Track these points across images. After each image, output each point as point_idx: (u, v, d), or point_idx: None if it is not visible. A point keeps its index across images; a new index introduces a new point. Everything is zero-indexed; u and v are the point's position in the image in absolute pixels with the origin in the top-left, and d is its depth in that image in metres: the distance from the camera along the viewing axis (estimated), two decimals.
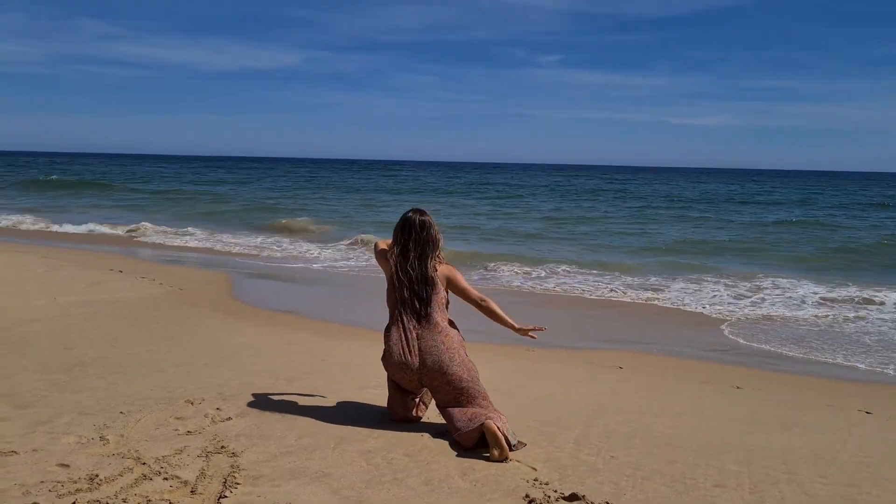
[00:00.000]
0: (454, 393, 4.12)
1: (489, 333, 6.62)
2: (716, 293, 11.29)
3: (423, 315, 4.19)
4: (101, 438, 3.81)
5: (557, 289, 11.77)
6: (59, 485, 3.19)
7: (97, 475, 3.30)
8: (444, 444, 4.03)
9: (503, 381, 5.48)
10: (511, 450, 3.84)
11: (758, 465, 3.96)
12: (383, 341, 4.31)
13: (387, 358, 4.26)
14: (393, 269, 4.25)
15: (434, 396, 4.25)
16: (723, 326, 9.00)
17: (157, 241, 17.53)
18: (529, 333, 4.36)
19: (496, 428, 3.82)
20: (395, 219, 4.38)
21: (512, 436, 3.93)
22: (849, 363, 7.37)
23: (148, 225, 20.16)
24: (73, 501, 3.02)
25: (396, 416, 4.38)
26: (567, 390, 5.51)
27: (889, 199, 42.47)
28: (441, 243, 4.29)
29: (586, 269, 13.76)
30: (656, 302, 10.69)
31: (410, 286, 4.20)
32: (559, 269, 13.64)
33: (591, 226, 23.93)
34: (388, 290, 4.33)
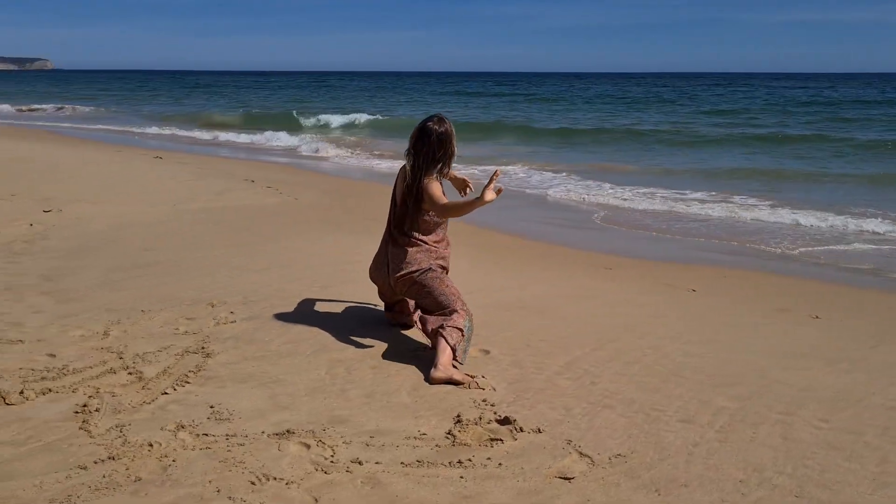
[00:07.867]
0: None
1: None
2: None
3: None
4: (105, 333, 4.14)
5: None
6: (32, 371, 3.52)
7: (67, 366, 3.59)
8: (426, 359, 3.91)
9: (542, 297, 5.25)
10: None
11: (757, 401, 3.49)
12: None
13: None
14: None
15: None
16: None
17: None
18: (492, 187, 3.74)
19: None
20: None
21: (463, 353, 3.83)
22: None
23: None
24: (22, 388, 3.31)
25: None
26: (610, 311, 5.13)
27: None
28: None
29: None
30: None
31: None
32: None
33: None
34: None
